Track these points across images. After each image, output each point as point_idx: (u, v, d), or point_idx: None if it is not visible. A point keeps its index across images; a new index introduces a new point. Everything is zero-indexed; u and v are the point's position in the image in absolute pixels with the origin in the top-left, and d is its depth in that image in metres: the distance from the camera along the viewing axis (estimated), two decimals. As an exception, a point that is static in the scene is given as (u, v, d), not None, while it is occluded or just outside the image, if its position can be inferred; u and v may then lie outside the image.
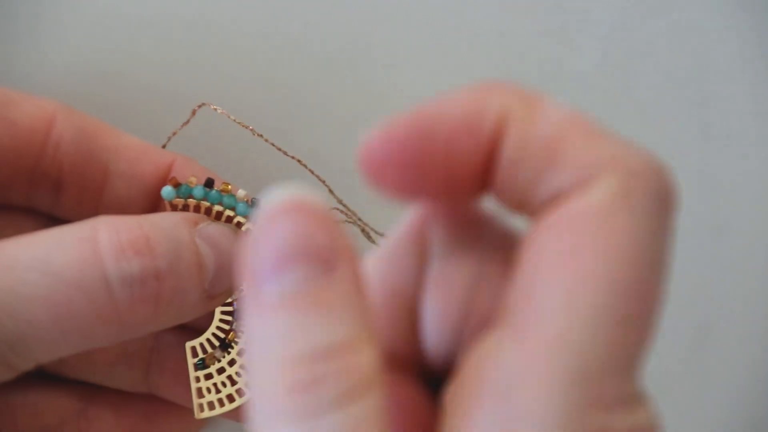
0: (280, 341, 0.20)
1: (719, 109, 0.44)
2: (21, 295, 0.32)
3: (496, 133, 0.23)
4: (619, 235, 0.21)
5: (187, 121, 0.40)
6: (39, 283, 0.32)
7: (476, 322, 0.24)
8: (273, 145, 0.39)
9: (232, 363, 0.39)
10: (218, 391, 0.39)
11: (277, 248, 0.21)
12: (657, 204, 0.22)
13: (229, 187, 0.38)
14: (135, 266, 0.33)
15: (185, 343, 0.39)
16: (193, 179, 0.37)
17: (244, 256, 0.21)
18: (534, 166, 0.22)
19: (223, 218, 0.38)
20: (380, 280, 0.25)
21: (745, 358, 0.45)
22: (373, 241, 0.41)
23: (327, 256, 0.21)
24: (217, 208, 0.37)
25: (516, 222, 0.25)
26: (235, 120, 0.39)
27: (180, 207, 0.37)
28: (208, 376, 0.39)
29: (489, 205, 0.25)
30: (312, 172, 0.40)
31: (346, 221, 0.40)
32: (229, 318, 0.39)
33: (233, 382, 0.39)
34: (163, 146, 0.40)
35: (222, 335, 0.39)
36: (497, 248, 0.24)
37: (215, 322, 0.39)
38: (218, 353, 0.39)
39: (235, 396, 0.39)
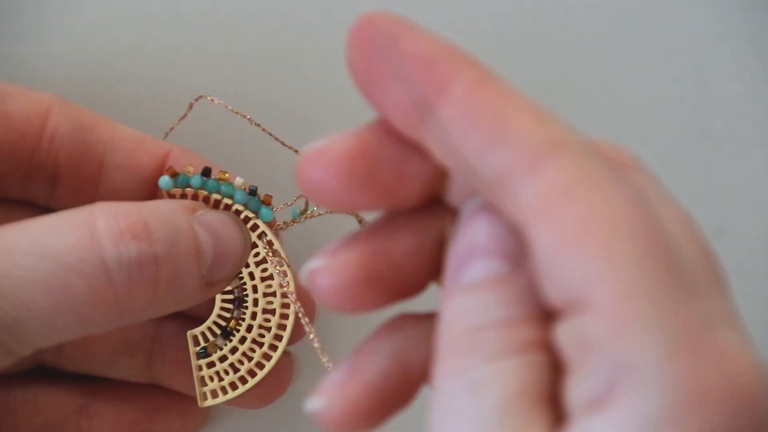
0: (463, 316, 0.24)
1: (719, 109, 0.44)
2: (19, 279, 0.31)
3: (437, 85, 0.24)
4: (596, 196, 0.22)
5: (185, 115, 0.40)
6: (37, 267, 0.32)
7: None
8: (270, 134, 0.39)
9: (233, 351, 0.39)
10: (221, 379, 0.39)
11: (471, 244, 0.24)
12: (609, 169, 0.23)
13: (227, 175, 0.37)
14: (133, 250, 0.33)
15: (187, 332, 0.39)
16: (191, 168, 0.37)
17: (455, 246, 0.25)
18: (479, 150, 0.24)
19: (221, 206, 0.37)
20: None
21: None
22: None
23: (513, 257, 0.24)
24: (215, 196, 0.37)
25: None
26: (232, 110, 0.39)
27: (178, 197, 0.37)
28: (211, 365, 0.39)
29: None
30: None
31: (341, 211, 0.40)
32: (229, 306, 0.39)
33: (236, 370, 0.39)
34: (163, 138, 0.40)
35: (223, 323, 0.39)
36: None
37: (216, 311, 0.39)
38: (220, 341, 0.39)
39: (238, 383, 0.39)
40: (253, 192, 0.38)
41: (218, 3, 0.42)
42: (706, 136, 0.44)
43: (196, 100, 0.40)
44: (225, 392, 0.38)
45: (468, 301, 0.24)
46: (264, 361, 0.38)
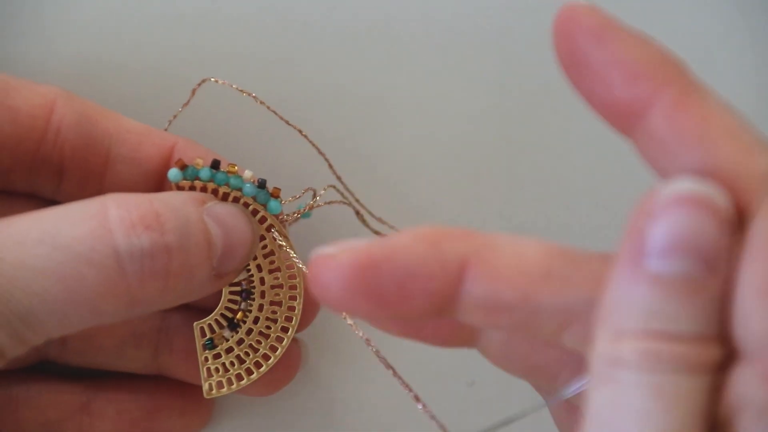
0: (643, 309, 0.23)
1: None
2: (32, 269, 0.31)
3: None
4: None
5: (188, 101, 0.40)
6: (50, 257, 0.32)
7: None
8: (275, 113, 0.39)
9: (240, 342, 0.39)
10: (227, 371, 0.39)
11: (674, 234, 0.23)
12: None
13: (236, 168, 0.38)
14: (145, 241, 0.33)
15: (193, 323, 0.39)
16: (200, 161, 0.37)
17: (637, 218, 0.23)
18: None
19: (230, 199, 0.38)
20: None
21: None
22: (366, 225, 0.41)
23: (713, 262, 0.23)
24: (224, 189, 0.37)
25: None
26: (237, 88, 0.39)
27: (186, 189, 0.37)
28: (217, 356, 0.39)
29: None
30: (314, 145, 0.40)
31: (341, 202, 0.41)
32: (237, 298, 0.39)
33: (242, 362, 0.39)
34: (165, 129, 0.40)
35: (230, 315, 0.39)
36: None
37: (223, 302, 0.39)
38: (227, 333, 0.39)
39: (244, 375, 0.39)
40: (261, 185, 0.38)
41: (218, 2, 0.43)
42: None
43: (200, 84, 0.40)
44: (231, 383, 0.39)
45: (656, 297, 0.23)
46: (270, 353, 0.39)
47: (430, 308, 0.26)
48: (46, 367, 0.40)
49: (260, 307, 0.39)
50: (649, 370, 0.22)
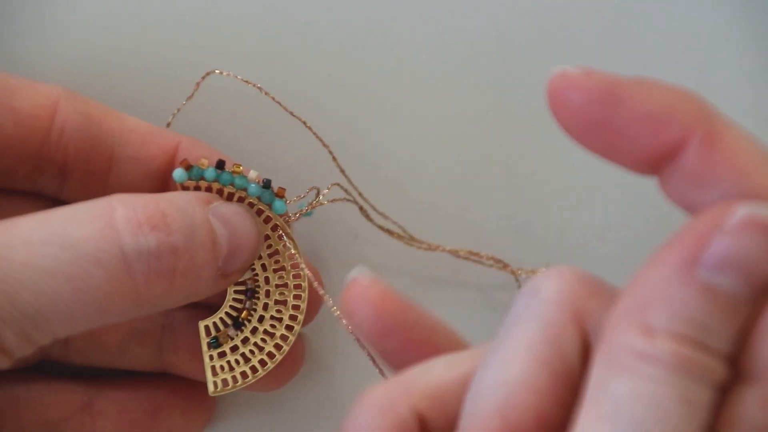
0: (684, 314, 0.23)
1: (719, 109, 0.44)
2: (39, 269, 0.32)
3: (671, 144, 0.24)
4: None
5: (192, 95, 0.40)
6: (57, 257, 0.32)
7: None
8: (279, 104, 0.39)
9: (245, 341, 0.39)
10: (231, 369, 0.39)
11: (738, 253, 0.23)
12: None
13: (240, 168, 0.38)
14: (152, 241, 0.33)
15: (198, 321, 0.39)
16: (205, 161, 0.37)
17: (701, 225, 0.23)
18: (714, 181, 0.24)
19: (235, 199, 0.38)
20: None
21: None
22: (370, 220, 0.41)
23: (761, 288, 0.23)
24: (229, 189, 0.38)
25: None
26: (242, 79, 0.39)
27: (192, 189, 0.37)
28: (222, 355, 0.39)
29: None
30: (317, 137, 0.40)
31: (345, 199, 0.41)
32: (242, 297, 0.39)
33: (246, 360, 0.39)
34: (168, 123, 0.40)
35: (235, 314, 0.39)
36: None
37: (228, 301, 0.39)
38: (231, 332, 0.39)
39: (249, 373, 0.39)
40: (266, 185, 0.38)
41: (218, 1, 0.43)
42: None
43: (204, 78, 0.40)
44: (236, 381, 0.39)
45: (699, 306, 0.23)
46: (276, 351, 0.39)
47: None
48: (48, 366, 0.41)
49: (265, 306, 0.39)
50: (682, 375, 0.23)
